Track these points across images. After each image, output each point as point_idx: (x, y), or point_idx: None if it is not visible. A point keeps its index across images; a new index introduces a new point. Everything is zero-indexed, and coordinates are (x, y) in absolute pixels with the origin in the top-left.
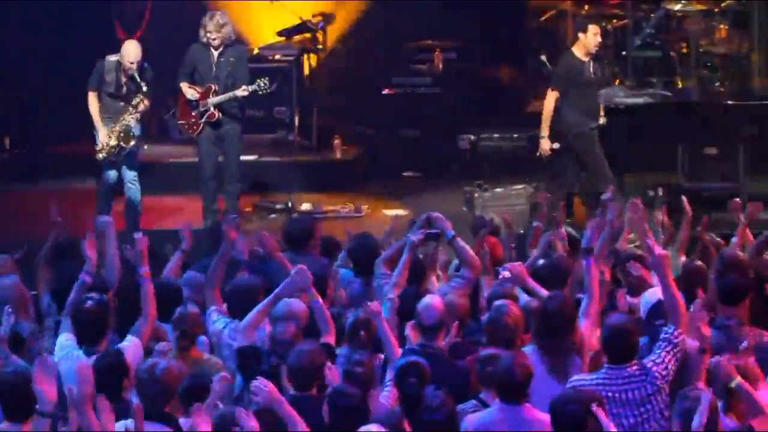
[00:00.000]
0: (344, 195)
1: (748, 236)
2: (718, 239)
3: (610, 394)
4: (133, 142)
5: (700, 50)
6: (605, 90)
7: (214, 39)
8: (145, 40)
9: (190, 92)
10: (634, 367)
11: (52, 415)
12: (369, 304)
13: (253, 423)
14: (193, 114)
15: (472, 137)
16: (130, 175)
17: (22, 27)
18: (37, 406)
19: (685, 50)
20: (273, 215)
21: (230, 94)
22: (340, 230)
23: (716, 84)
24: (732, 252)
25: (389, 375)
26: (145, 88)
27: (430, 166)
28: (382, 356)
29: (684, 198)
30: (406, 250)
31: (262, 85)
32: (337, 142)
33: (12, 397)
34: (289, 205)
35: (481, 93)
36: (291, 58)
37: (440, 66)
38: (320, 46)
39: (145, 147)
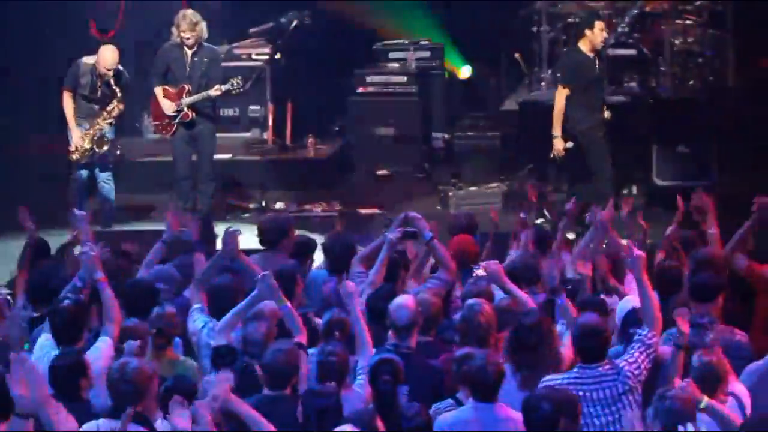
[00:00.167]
0: (318, 194)
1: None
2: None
3: (581, 393)
4: (106, 147)
5: (675, 49)
6: None
7: (188, 38)
8: (119, 39)
9: (167, 105)
10: (606, 367)
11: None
12: (344, 283)
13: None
14: (167, 115)
15: (447, 136)
16: (104, 176)
17: None
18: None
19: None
20: (247, 214)
21: (203, 94)
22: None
23: (690, 82)
24: (705, 250)
25: (362, 363)
26: (119, 94)
27: (405, 164)
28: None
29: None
30: (384, 249)
31: (236, 84)
32: (311, 140)
33: None
34: (263, 204)
35: (455, 91)
36: (265, 57)
37: (414, 64)
38: (295, 45)
39: (118, 151)
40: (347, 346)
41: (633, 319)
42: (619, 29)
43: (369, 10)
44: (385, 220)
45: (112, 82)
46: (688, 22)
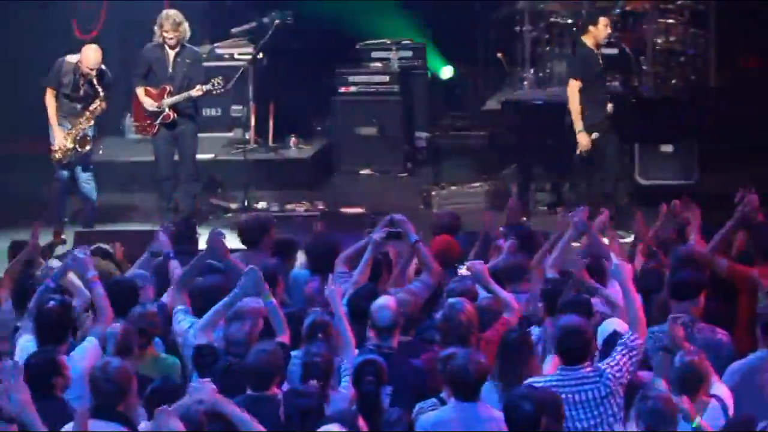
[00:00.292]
0: (301, 193)
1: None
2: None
3: (563, 395)
4: (89, 146)
5: (657, 48)
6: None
7: (171, 38)
8: (101, 39)
9: (148, 102)
10: (588, 369)
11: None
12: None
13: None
14: (149, 115)
15: (429, 135)
16: (85, 176)
17: None
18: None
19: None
20: (229, 214)
21: (185, 95)
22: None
23: (673, 82)
24: (686, 248)
25: (346, 364)
26: (102, 94)
27: (387, 164)
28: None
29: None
30: (369, 249)
31: (217, 84)
32: (293, 140)
33: None
34: (246, 204)
35: (438, 91)
36: (247, 57)
37: (396, 64)
38: (276, 45)
39: (101, 152)
40: (330, 347)
41: (614, 342)
42: None
43: (351, 10)
44: (369, 220)
45: (95, 81)
46: (670, 21)
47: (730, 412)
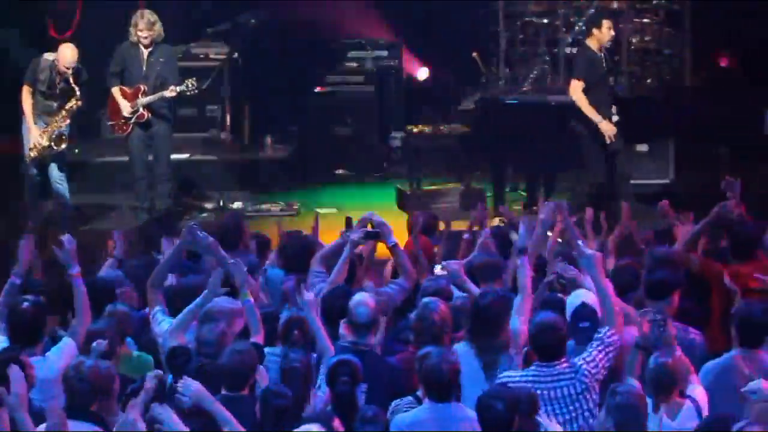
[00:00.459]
0: (276, 193)
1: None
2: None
3: (539, 391)
4: (64, 145)
5: (632, 48)
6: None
7: (145, 37)
8: (77, 39)
9: (124, 106)
10: (564, 365)
11: None
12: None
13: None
14: (123, 115)
15: (404, 135)
16: (58, 175)
17: None
18: None
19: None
20: (204, 214)
21: (159, 95)
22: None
23: (648, 81)
24: (663, 248)
25: (324, 368)
26: (78, 92)
27: (363, 163)
28: (315, 355)
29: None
30: (347, 249)
31: (191, 85)
32: (268, 140)
33: None
34: (221, 203)
35: (412, 91)
36: (222, 57)
37: (371, 64)
38: (252, 45)
39: (76, 151)
40: (307, 344)
41: (583, 313)
42: (576, 28)
43: (326, 10)
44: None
45: (71, 79)
46: (645, 20)
47: (704, 413)
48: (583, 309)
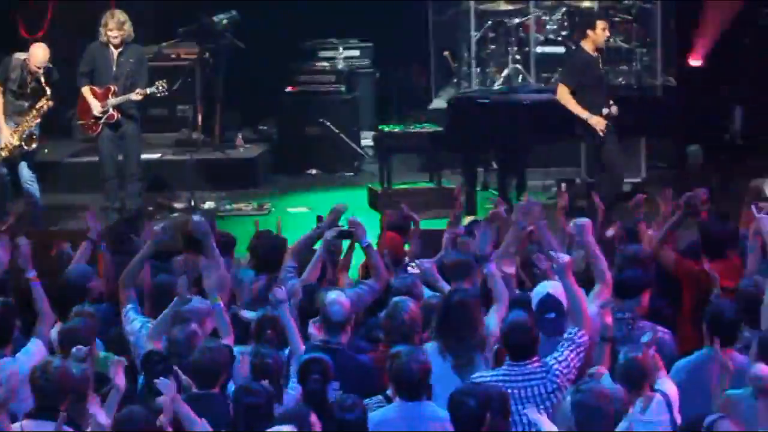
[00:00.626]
0: (248, 193)
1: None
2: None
3: (510, 390)
4: (35, 145)
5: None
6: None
7: (115, 37)
8: (48, 39)
9: (94, 105)
10: (536, 364)
11: None
12: (275, 290)
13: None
14: (93, 115)
15: (375, 134)
16: (28, 175)
17: None
18: None
19: None
20: (175, 214)
21: (127, 97)
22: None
23: (619, 80)
24: (633, 247)
25: (295, 367)
26: (49, 92)
27: (334, 163)
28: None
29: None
30: (321, 247)
31: (160, 87)
32: (240, 140)
33: None
34: (192, 203)
35: (384, 90)
36: (193, 57)
37: (344, 64)
38: (223, 45)
39: (46, 151)
40: (280, 344)
41: (548, 304)
42: (548, 27)
43: (298, 9)
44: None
45: (42, 79)
46: (616, 19)
47: (675, 407)
48: (549, 299)
